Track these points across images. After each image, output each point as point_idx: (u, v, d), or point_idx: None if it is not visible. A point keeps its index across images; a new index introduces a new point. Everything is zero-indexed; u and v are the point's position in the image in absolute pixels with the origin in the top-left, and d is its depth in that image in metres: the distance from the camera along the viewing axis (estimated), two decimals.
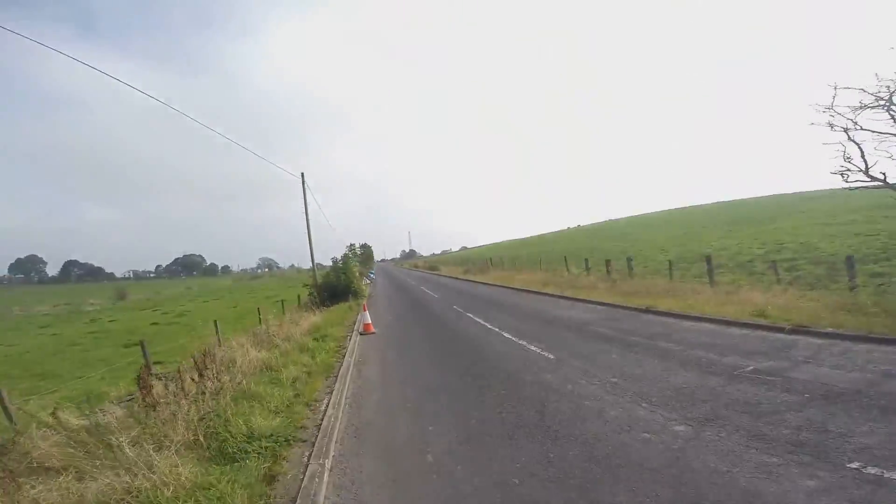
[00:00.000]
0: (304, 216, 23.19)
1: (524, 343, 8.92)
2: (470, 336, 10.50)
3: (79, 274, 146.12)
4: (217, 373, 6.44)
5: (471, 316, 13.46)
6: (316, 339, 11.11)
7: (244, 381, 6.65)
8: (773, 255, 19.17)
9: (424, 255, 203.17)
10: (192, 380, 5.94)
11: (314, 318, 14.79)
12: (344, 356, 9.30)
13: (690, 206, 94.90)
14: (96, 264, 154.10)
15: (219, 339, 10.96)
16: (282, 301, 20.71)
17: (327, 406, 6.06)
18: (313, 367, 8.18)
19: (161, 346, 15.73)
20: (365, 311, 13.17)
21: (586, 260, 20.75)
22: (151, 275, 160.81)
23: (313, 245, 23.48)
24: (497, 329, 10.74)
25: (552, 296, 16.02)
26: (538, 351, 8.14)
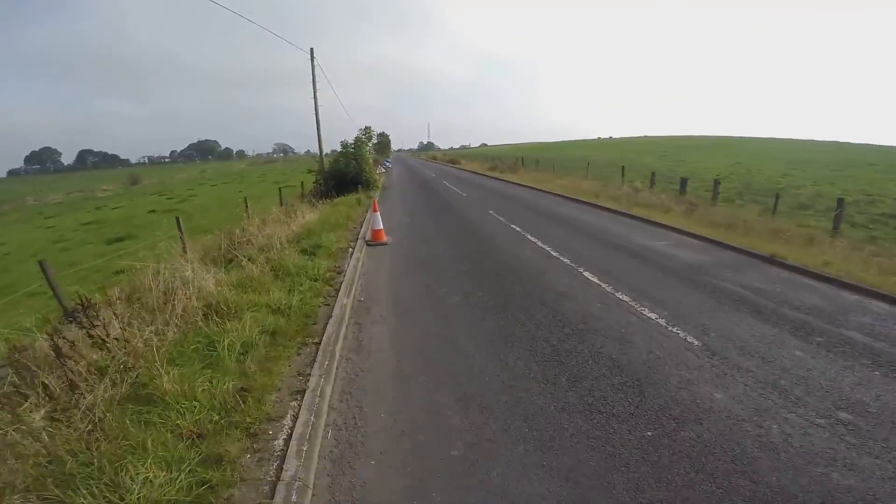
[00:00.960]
0: (313, 96, 18.63)
1: (625, 298, 5.43)
2: (529, 269, 6.93)
3: (94, 161, 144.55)
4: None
5: (517, 230, 9.80)
6: (305, 253, 7.65)
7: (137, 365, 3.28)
8: (867, 206, 15.29)
9: (442, 147, 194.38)
10: None
11: (311, 215, 11.21)
12: (338, 292, 5.84)
13: (728, 137, 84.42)
14: (111, 152, 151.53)
15: (184, 246, 7.61)
16: (280, 189, 17.17)
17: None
18: (281, 322, 4.67)
19: (145, 241, 13.61)
20: (376, 210, 9.43)
21: (653, 174, 16.32)
22: (166, 160, 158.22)
23: (321, 131, 19.22)
24: (568, 261, 7.19)
25: (615, 212, 12.07)
26: (664, 324, 4.66)
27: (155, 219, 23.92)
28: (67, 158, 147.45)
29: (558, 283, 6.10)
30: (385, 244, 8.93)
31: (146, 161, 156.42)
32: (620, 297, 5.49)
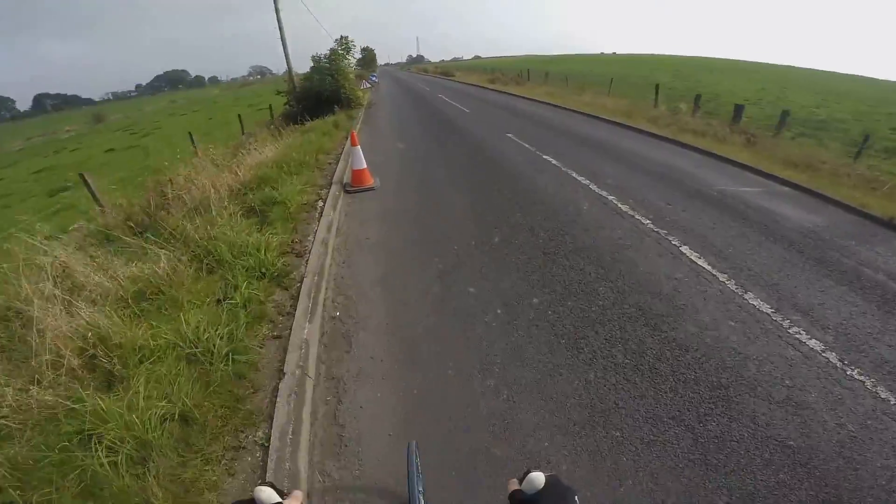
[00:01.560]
0: (278, 24, 14.32)
1: (766, 310, 3.14)
2: (598, 235, 4.51)
3: (54, 104, 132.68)
4: None
5: (556, 164, 7.14)
6: (252, 214, 5.02)
7: None
8: None
9: (433, 61, 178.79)
10: None
11: (270, 149, 8.04)
12: (295, 305, 3.35)
13: (741, 60, 74.22)
14: (70, 93, 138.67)
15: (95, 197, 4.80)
16: (239, 116, 13.75)
17: None
18: (197, 394, 2.17)
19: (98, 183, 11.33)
20: (355, 144, 6.44)
21: (698, 95, 12.75)
22: (133, 94, 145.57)
23: (290, 46, 15.04)
24: (650, 224, 4.79)
25: (663, 139, 9.15)
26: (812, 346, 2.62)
27: (112, 158, 20.99)
28: (24, 105, 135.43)
29: (656, 272, 3.69)
30: (371, 189, 6.15)
31: (111, 97, 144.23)
32: (759, 305, 3.18)
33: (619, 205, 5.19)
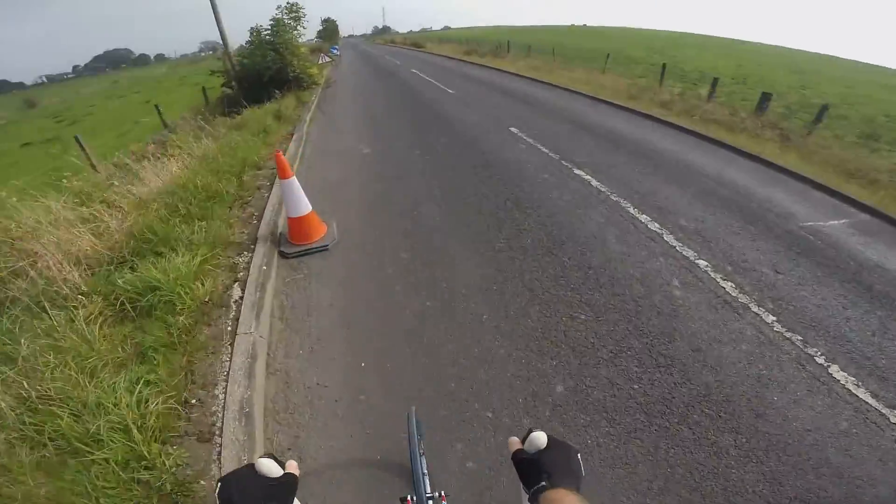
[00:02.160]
0: None
1: None
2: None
3: None
4: None
5: (595, 185, 4.97)
6: (115, 328, 2.57)
7: None
8: None
9: (401, 32, 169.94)
10: None
11: (174, 166, 5.10)
12: None
13: (709, 35, 71.59)
14: None
15: None
16: (156, 106, 10.56)
17: None
18: None
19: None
20: (286, 173, 3.60)
21: (716, 79, 10.49)
22: (70, 76, 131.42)
23: (221, 16, 11.54)
24: (791, 341, 2.73)
25: (687, 132, 7.45)
26: None
27: (24, 156, 18.10)
28: None
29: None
30: (325, 248, 3.65)
31: (45, 80, 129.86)
32: None
33: (721, 281, 3.20)
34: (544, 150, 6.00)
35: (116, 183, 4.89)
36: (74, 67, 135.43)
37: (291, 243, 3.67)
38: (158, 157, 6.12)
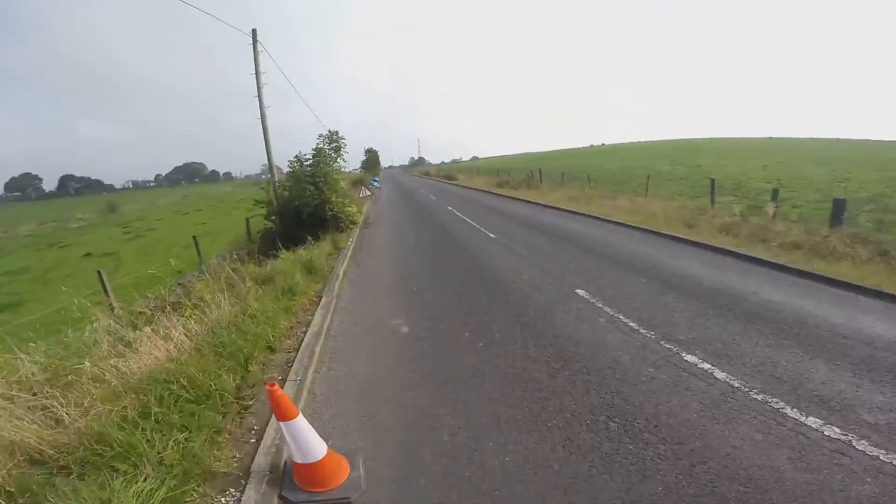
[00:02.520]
0: (257, 94, 12.14)
1: None
2: None
3: (77, 187, 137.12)
4: None
5: (700, 365, 3.29)
6: None
7: None
8: None
9: (433, 162, 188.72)
10: None
11: (171, 346, 4.41)
12: None
13: (721, 138, 78.46)
14: (94, 177, 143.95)
15: None
16: (195, 238, 10.75)
17: None
18: None
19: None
20: (286, 413, 2.59)
21: (776, 190, 10.36)
22: (151, 184, 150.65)
23: (270, 141, 12.63)
24: None
25: (773, 267, 6.76)
26: None
27: (80, 268, 18.69)
28: (49, 184, 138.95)
29: None
30: (343, 500, 2.47)
31: (131, 186, 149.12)
32: None
33: None
34: (631, 324, 4.73)
35: (105, 347, 4.24)
36: (156, 176, 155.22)
37: (298, 488, 2.65)
38: (171, 313, 5.61)
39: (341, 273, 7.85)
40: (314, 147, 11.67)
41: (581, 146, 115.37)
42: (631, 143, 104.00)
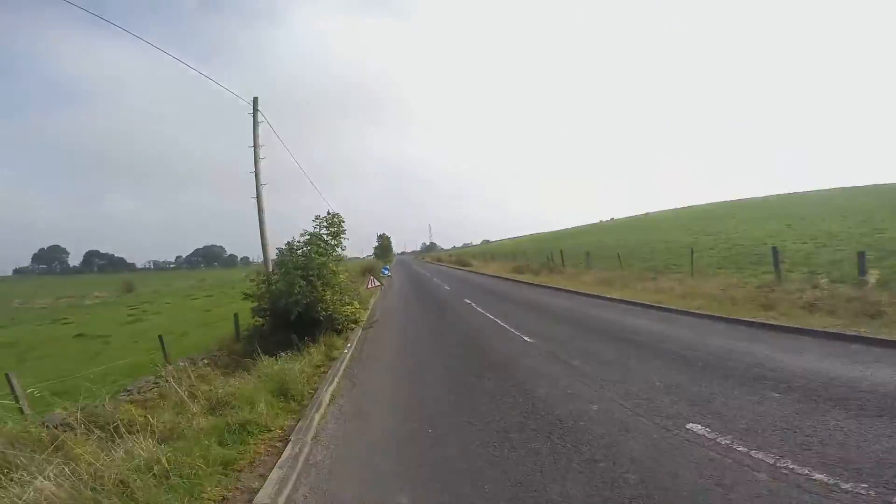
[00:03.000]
0: (254, 169, 11.29)
1: None
2: None
3: (100, 264, 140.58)
4: None
5: None
6: None
7: None
8: None
9: (445, 247, 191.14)
10: None
11: None
12: None
13: (723, 202, 78.97)
14: (118, 255, 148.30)
15: None
16: (161, 339, 8.83)
17: None
18: None
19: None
20: None
21: (862, 253, 8.71)
22: (171, 265, 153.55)
23: (266, 222, 11.42)
24: None
25: None
26: None
27: (67, 348, 17.68)
28: (75, 259, 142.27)
29: None
30: None
31: (151, 266, 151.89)
32: None
33: None
34: (818, 477, 2.53)
35: None
36: (177, 258, 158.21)
37: None
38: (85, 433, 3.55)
39: (327, 398, 5.65)
40: (309, 231, 9.87)
41: (585, 223, 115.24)
42: (634, 216, 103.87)
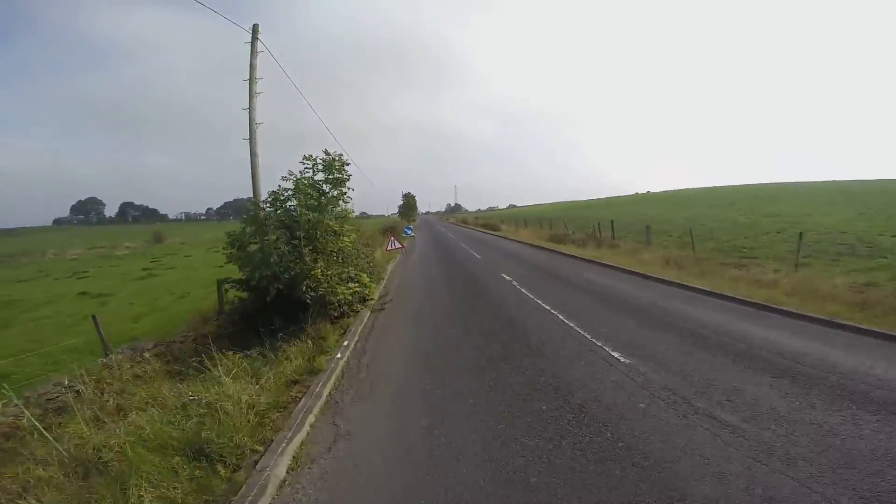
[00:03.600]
0: (249, 96, 8.47)
1: None
2: None
3: (135, 215, 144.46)
4: None
5: None
6: None
7: None
8: None
9: (470, 210, 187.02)
10: None
11: None
12: None
13: (772, 184, 71.20)
14: (151, 206, 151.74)
15: None
16: (95, 319, 6.47)
17: None
18: None
19: None
20: None
21: None
22: (202, 217, 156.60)
23: (259, 170, 8.72)
24: None
25: None
26: None
27: (62, 307, 16.14)
28: (111, 210, 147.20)
29: None
30: None
31: (183, 217, 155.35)
32: None
33: None
34: None
35: None
36: (207, 210, 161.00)
37: None
38: None
39: (278, 473, 3.06)
40: (295, 174, 6.95)
41: (622, 195, 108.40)
42: (669, 191, 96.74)
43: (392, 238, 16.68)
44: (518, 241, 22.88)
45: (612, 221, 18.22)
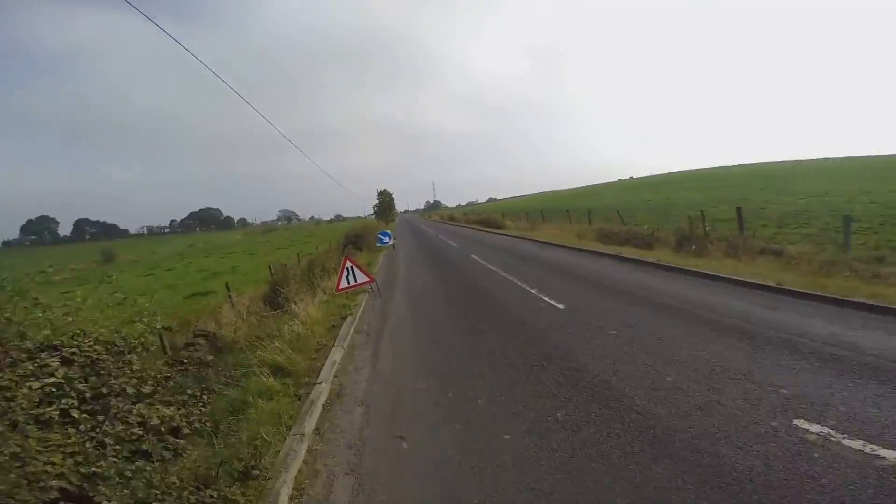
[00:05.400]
0: None
1: None
2: None
3: (92, 232, 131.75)
4: None
5: None
6: None
7: None
8: None
9: (449, 206, 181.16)
10: None
11: None
12: None
13: (772, 163, 68.88)
14: (110, 221, 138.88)
15: None
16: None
17: None
18: None
19: None
20: None
21: None
22: (166, 230, 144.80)
23: None
24: None
25: None
26: None
27: None
28: (65, 228, 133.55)
29: None
30: None
31: (145, 231, 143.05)
32: None
33: None
34: None
35: None
36: (171, 222, 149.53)
37: None
38: None
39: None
40: None
41: (606, 181, 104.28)
42: (655, 175, 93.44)
43: (351, 265, 8.61)
44: (564, 247, 14.88)
45: (702, 212, 12.80)
